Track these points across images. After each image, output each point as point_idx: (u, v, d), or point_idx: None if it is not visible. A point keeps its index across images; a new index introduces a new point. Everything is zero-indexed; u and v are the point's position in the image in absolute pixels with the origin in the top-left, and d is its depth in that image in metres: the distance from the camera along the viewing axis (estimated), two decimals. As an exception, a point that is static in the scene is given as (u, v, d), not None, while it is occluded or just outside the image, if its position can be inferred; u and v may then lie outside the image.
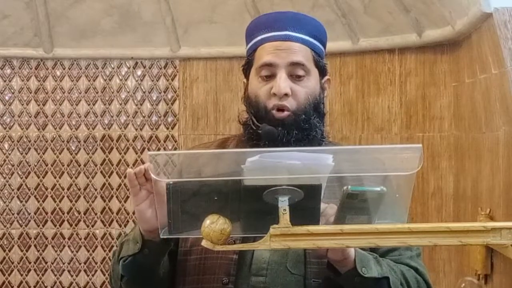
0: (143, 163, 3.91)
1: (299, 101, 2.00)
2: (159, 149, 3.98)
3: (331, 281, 1.89)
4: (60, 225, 4.01)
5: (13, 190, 4.01)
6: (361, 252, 1.87)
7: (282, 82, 1.98)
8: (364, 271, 1.85)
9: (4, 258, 4.01)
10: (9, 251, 4.01)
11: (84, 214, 4.01)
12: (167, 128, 4.01)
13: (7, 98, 4.02)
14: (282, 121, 1.98)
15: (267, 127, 1.97)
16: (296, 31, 2.03)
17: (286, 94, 1.98)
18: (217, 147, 2.12)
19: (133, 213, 4.01)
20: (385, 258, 1.95)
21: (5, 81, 4.02)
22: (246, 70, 2.08)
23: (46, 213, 4.01)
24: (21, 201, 4.01)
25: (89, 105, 4.03)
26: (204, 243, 1.66)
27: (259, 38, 2.05)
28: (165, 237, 1.75)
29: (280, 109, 1.99)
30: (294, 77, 2.00)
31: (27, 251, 4.02)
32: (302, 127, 1.99)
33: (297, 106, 1.99)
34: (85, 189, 4.02)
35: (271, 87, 2.00)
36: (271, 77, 2.01)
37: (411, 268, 1.99)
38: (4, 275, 4.01)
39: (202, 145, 2.29)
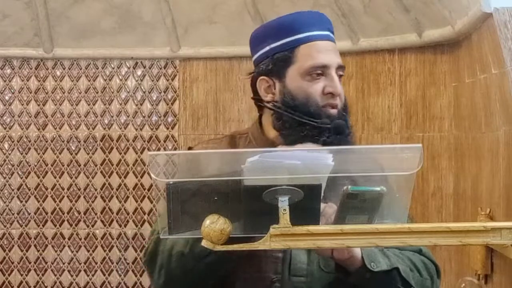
0: (143, 163, 3.97)
1: (342, 101, 2.06)
2: (159, 149, 3.98)
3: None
4: (60, 225, 4.01)
5: (13, 190, 4.02)
6: (367, 248, 1.87)
7: (338, 83, 2.04)
8: (373, 266, 1.86)
9: (4, 258, 4.01)
10: (9, 251, 4.01)
11: (84, 214, 4.01)
12: (167, 128, 4.01)
13: (7, 98, 4.02)
14: (334, 118, 2.03)
15: (336, 121, 2.01)
16: (331, 32, 2.08)
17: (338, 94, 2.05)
18: (228, 144, 2.11)
19: (133, 213, 4.01)
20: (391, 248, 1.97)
21: (5, 81, 4.02)
22: (282, 66, 2.05)
23: (46, 213, 4.02)
24: (21, 201, 4.02)
25: (89, 105, 4.03)
26: (204, 243, 1.66)
27: (303, 35, 2.04)
28: (164, 237, 1.74)
29: (333, 106, 2.03)
30: (338, 78, 2.06)
31: (27, 251, 4.02)
32: (347, 125, 2.04)
33: (341, 105, 2.05)
34: (85, 189, 4.02)
35: (322, 86, 2.02)
36: (320, 75, 2.03)
37: (415, 251, 2.01)
38: (4, 275, 4.01)
39: (211, 141, 2.26)
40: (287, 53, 2.04)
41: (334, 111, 2.02)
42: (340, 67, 2.07)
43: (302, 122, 2.00)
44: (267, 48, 2.08)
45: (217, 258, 1.83)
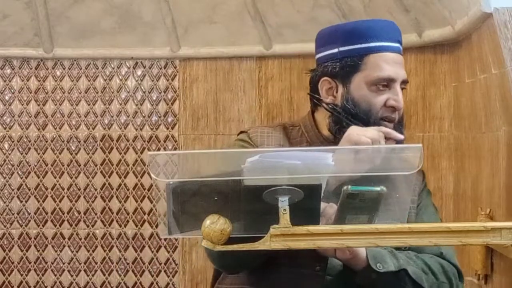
0: (143, 163, 3.97)
1: (400, 114, 2.07)
2: (159, 149, 3.98)
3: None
4: (60, 225, 4.01)
5: (13, 190, 4.01)
6: (374, 249, 1.87)
7: (401, 98, 2.05)
8: (379, 267, 1.87)
9: (4, 258, 4.01)
10: (9, 251, 4.01)
11: (84, 214, 4.01)
12: (167, 128, 4.01)
13: (7, 98, 4.02)
14: None
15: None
16: (400, 43, 2.08)
17: None
18: (281, 132, 2.11)
19: (133, 213, 4.01)
20: (405, 250, 1.96)
21: (5, 81, 4.02)
22: (349, 71, 2.06)
23: (46, 213, 4.01)
24: (21, 201, 4.01)
25: (89, 105, 4.03)
26: (204, 243, 1.66)
27: (375, 44, 2.04)
28: (164, 237, 1.75)
29: (390, 120, 2.05)
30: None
31: (27, 251, 4.02)
32: (404, 140, 2.06)
33: (398, 119, 2.06)
34: (85, 189, 4.02)
35: (386, 98, 2.03)
36: (385, 87, 2.04)
37: (434, 254, 2.00)
38: (4, 275, 4.01)
39: (266, 126, 2.24)
40: (356, 59, 2.04)
41: (390, 126, 2.04)
42: (404, 82, 2.07)
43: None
44: (335, 50, 2.07)
45: None
